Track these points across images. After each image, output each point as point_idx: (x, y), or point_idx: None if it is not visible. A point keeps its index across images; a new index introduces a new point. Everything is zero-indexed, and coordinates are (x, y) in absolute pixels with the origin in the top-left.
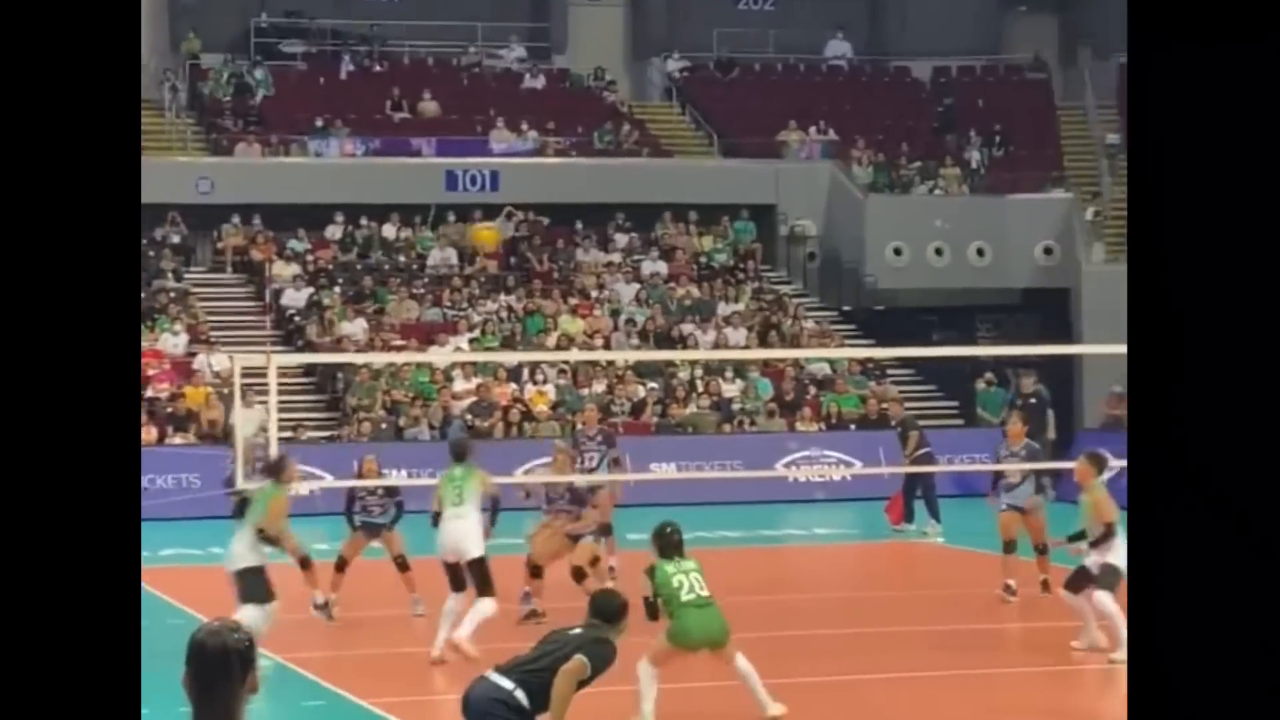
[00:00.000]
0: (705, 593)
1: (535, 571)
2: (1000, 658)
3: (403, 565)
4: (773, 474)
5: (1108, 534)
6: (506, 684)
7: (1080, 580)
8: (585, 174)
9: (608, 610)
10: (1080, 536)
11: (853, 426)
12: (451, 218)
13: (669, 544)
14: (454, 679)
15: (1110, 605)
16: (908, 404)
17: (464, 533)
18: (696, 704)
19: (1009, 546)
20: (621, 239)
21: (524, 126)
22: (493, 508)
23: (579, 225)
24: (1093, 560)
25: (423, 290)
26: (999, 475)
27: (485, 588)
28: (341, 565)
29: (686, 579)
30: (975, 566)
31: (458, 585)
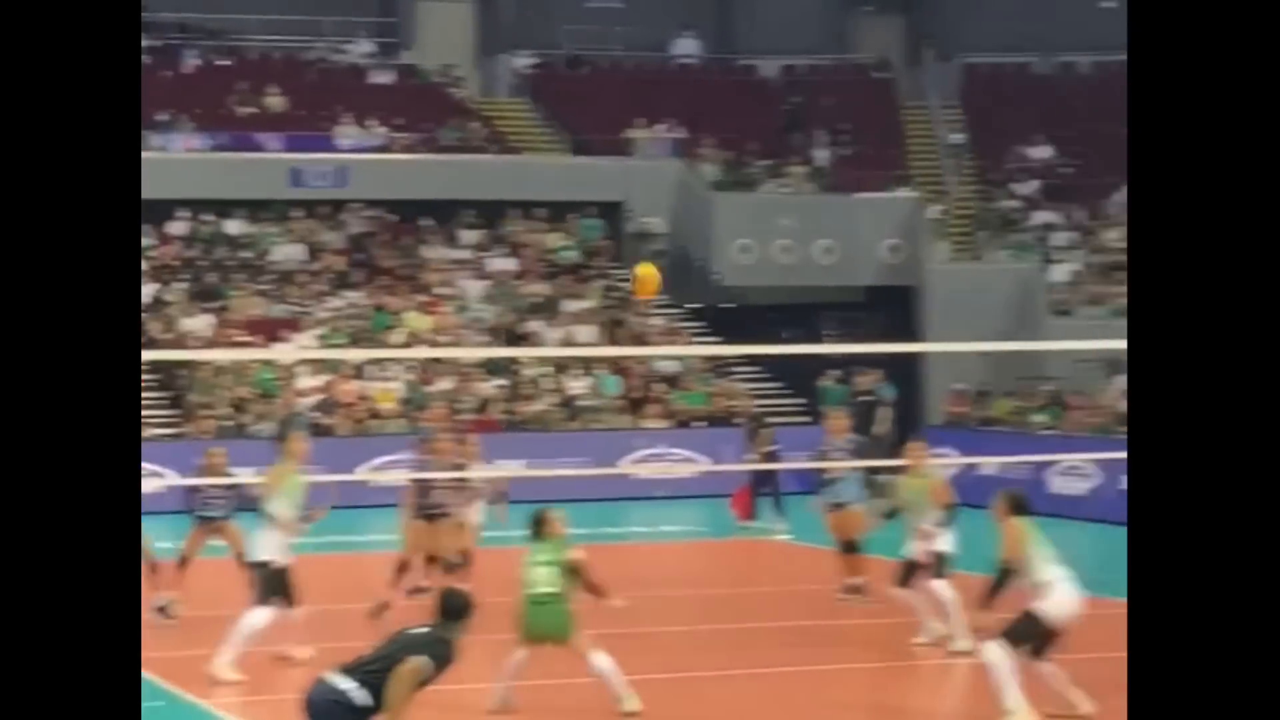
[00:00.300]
0: (552, 589)
1: (403, 567)
2: (843, 653)
3: (245, 562)
4: (619, 471)
5: (950, 517)
6: (347, 684)
7: (908, 574)
8: (433, 170)
9: (452, 609)
10: (893, 514)
11: (699, 423)
12: (297, 214)
13: (535, 530)
14: (297, 679)
15: (947, 593)
16: (755, 401)
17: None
18: (560, 699)
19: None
20: (469, 236)
21: (371, 122)
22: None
23: (426, 222)
24: (919, 549)
25: (268, 286)
26: (823, 472)
27: (263, 596)
28: (183, 563)
29: (537, 572)
30: (820, 563)
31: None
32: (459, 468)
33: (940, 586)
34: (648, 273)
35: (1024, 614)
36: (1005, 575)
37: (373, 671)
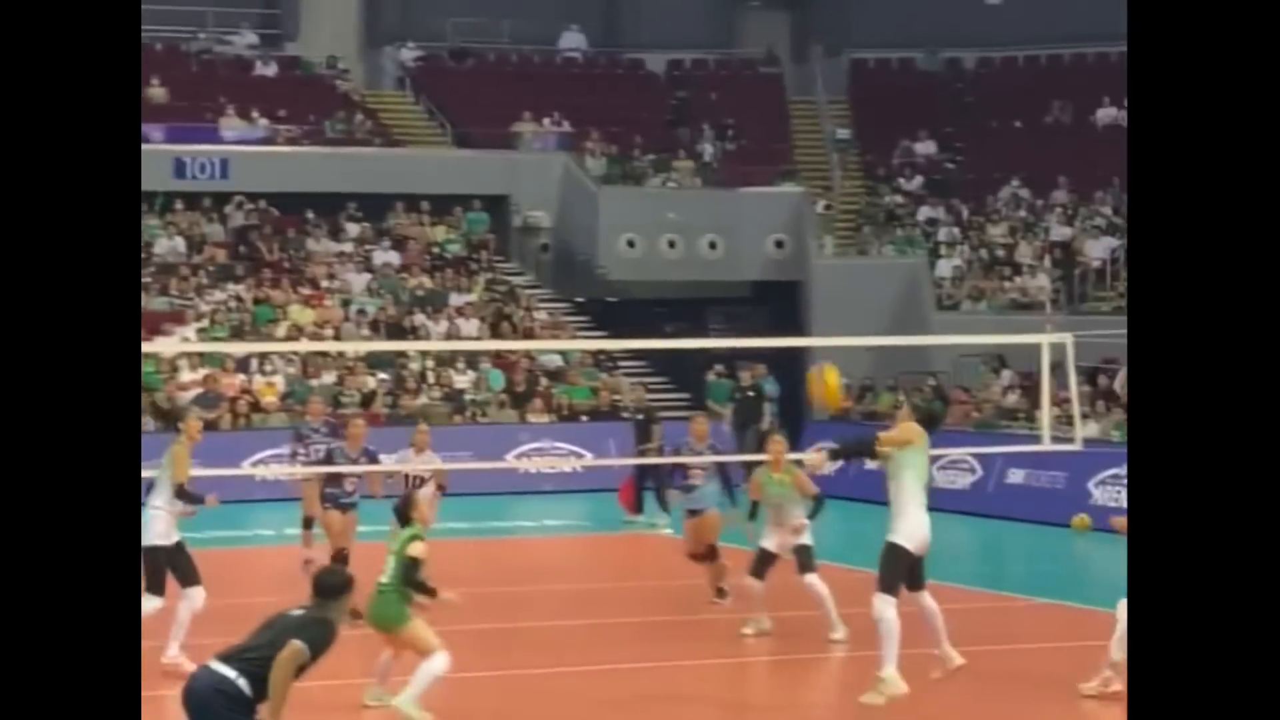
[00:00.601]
0: (385, 579)
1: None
2: (706, 648)
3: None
4: (504, 465)
5: (817, 507)
6: (228, 672)
7: (763, 565)
8: (317, 163)
9: (329, 587)
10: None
11: (584, 418)
12: (179, 205)
13: (402, 516)
14: (179, 676)
15: (820, 587)
16: (647, 396)
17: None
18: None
19: (698, 556)
20: (353, 229)
21: (255, 114)
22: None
23: (310, 215)
24: (777, 543)
25: (149, 279)
26: (683, 474)
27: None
28: None
29: (388, 559)
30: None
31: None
32: (371, 457)
33: (812, 580)
34: (831, 380)
35: (884, 549)
36: (866, 446)
37: (252, 659)
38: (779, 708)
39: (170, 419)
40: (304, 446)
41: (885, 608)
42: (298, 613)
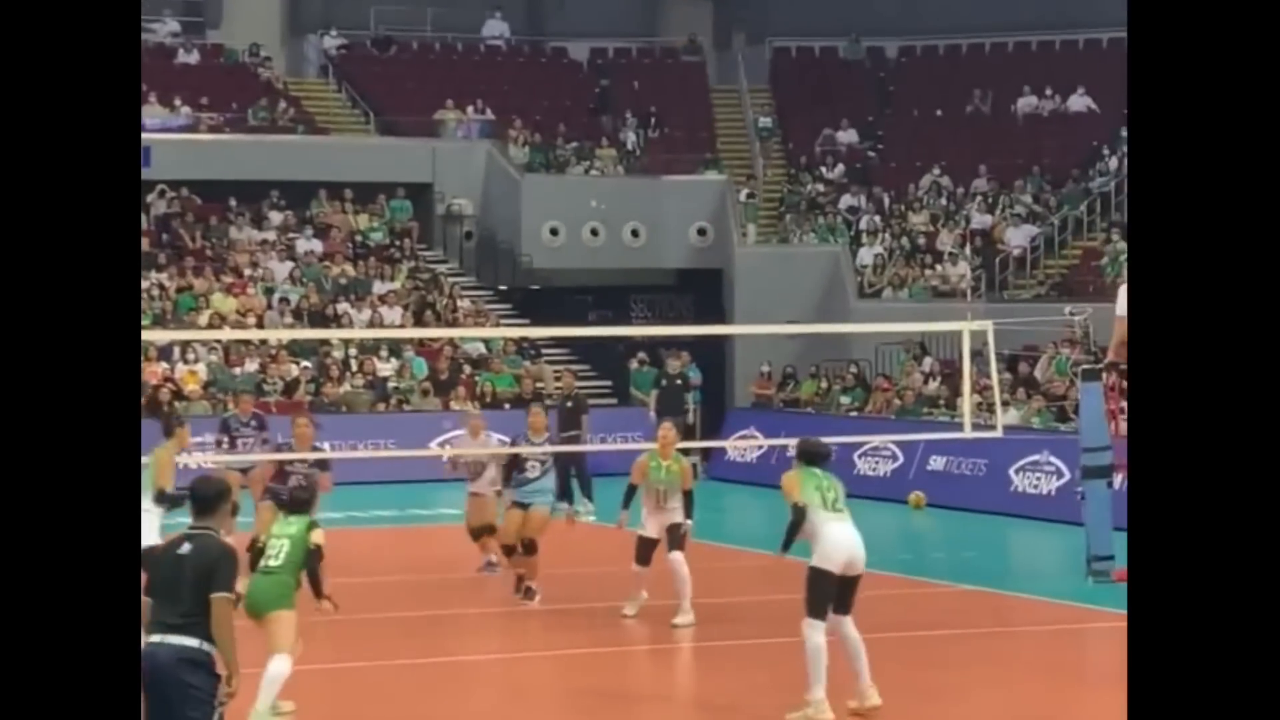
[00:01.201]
0: (277, 563)
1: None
2: (609, 636)
3: None
4: (427, 453)
5: (689, 502)
6: (191, 641)
7: (647, 550)
8: (239, 151)
9: (207, 498)
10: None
11: (507, 406)
12: None
13: (294, 501)
14: None
15: (683, 569)
16: (577, 384)
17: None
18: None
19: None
20: (276, 217)
21: (177, 102)
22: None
23: (233, 202)
24: (655, 527)
25: None
26: (520, 467)
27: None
28: None
29: (277, 544)
30: (624, 546)
31: None
32: (317, 450)
33: (676, 559)
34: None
35: (808, 574)
36: (796, 516)
37: (196, 620)
38: (716, 698)
39: (164, 420)
40: (231, 441)
41: (811, 633)
42: (187, 548)
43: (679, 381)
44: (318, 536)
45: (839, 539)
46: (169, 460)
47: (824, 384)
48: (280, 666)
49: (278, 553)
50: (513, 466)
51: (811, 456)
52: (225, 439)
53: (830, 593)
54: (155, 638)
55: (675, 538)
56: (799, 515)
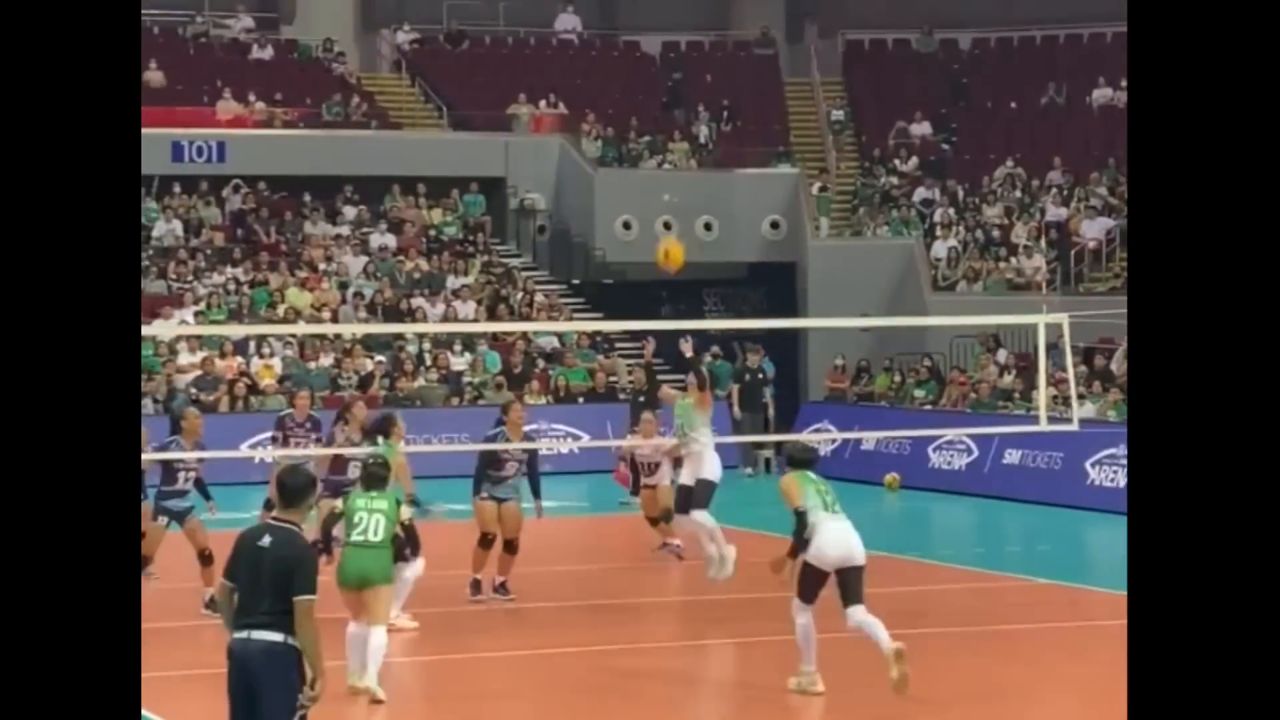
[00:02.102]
0: (377, 538)
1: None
2: (714, 629)
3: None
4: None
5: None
6: (276, 636)
7: (686, 500)
8: (313, 146)
9: (295, 490)
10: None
11: (580, 400)
12: (177, 189)
13: (370, 478)
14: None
15: (710, 521)
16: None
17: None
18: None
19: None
20: (350, 212)
21: (252, 98)
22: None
23: (307, 198)
24: (687, 475)
25: (147, 263)
26: (496, 464)
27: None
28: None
29: (370, 519)
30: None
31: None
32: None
33: (702, 516)
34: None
35: (800, 567)
36: (799, 523)
37: (281, 613)
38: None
39: (383, 430)
40: (285, 439)
41: (797, 615)
42: (267, 540)
43: (761, 375)
44: (405, 514)
45: (835, 538)
46: (402, 460)
47: (898, 377)
48: (382, 636)
49: (375, 527)
50: (489, 465)
51: (802, 461)
52: (280, 435)
53: (819, 583)
54: (242, 633)
55: (702, 493)
56: (801, 520)
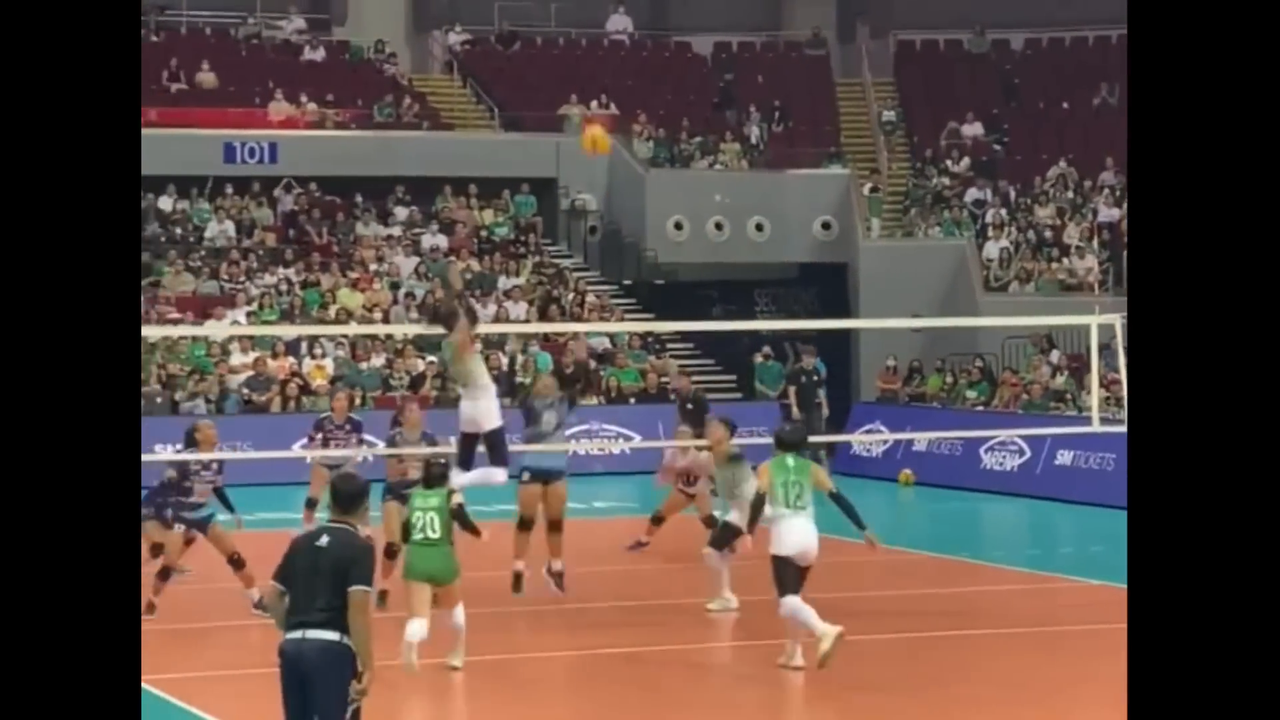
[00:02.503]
0: (435, 534)
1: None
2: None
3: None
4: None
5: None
6: (332, 635)
7: (727, 536)
8: (365, 147)
9: (349, 495)
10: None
11: (632, 400)
12: (229, 190)
13: (431, 476)
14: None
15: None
16: (693, 380)
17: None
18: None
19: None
20: (401, 212)
21: (303, 99)
22: None
23: (358, 198)
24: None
25: (199, 263)
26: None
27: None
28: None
29: (424, 517)
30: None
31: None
32: (430, 441)
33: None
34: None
35: (771, 561)
36: (756, 502)
37: (337, 610)
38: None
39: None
40: (324, 441)
41: (785, 605)
42: (325, 541)
43: (816, 376)
44: (458, 497)
45: (793, 536)
46: (465, 339)
47: (950, 378)
48: (462, 616)
49: (432, 524)
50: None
51: (787, 444)
52: (319, 436)
53: (792, 572)
54: (296, 633)
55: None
56: (759, 502)
